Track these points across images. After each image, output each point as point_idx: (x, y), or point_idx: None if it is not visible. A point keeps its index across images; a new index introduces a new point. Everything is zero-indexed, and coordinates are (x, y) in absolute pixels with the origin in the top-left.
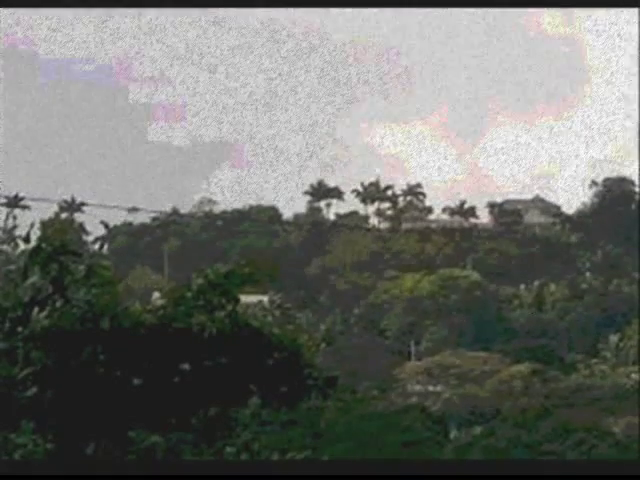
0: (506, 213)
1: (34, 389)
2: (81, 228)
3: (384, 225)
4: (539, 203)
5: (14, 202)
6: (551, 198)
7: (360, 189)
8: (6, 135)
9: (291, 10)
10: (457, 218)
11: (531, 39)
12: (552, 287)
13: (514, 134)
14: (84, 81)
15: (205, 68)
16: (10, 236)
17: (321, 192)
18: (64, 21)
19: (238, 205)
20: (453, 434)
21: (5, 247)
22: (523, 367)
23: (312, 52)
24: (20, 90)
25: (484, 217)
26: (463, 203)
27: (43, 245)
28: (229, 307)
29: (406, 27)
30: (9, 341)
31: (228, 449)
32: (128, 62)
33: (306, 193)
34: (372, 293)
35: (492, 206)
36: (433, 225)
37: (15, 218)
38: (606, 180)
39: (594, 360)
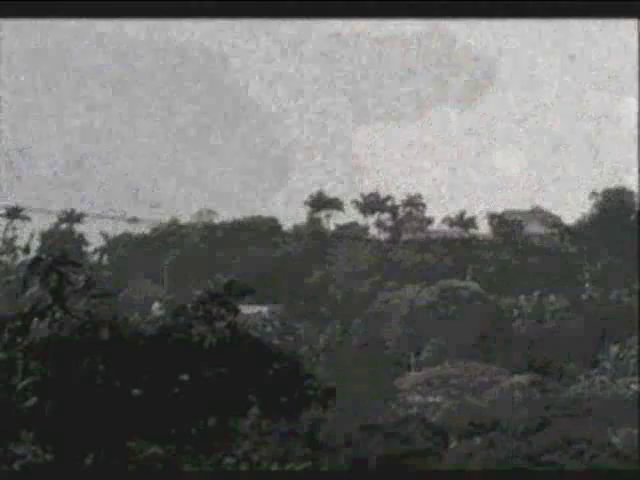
0: (506, 223)
1: (33, 399)
2: (81, 239)
3: (384, 236)
4: (539, 214)
5: (14, 213)
6: (551, 208)
7: (360, 200)
8: (7, 145)
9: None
10: (457, 229)
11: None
12: (552, 297)
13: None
14: (84, 86)
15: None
16: (10, 247)
17: (321, 203)
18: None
19: (238, 216)
20: (453, 445)
21: (5, 258)
22: (523, 378)
23: (312, 58)
24: (21, 98)
25: (484, 228)
26: (463, 213)
27: (43, 256)
28: (229, 318)
29: (396, 29)
30: (9, 352)
31: (227, 459)
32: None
33: (306, 204)
34: (372, 304)
35: (492, 216)
36: (433, 236)
37: (15, 229)
38: (606, 191)
39: (594, 371)
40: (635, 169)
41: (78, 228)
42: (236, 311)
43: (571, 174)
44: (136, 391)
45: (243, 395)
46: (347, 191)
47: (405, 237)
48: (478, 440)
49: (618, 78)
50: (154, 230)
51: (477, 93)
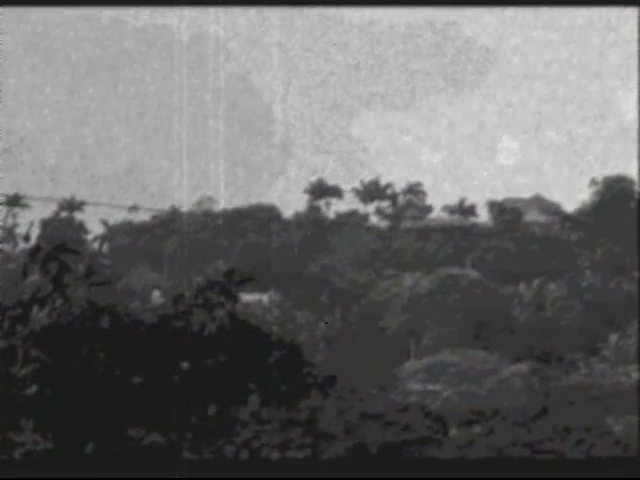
0: (506, 211)
1: (34, 388)
2: (81, 227)
3: (384, 224)
4: (538, 201)
5: (14, 201)
6: (550, 196)
7: (360, 187)
8: (6, 133)
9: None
10: (457, 216)
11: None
12: (552, 285)
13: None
14: (80, 74)
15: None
16: (10, 235)
17: (321, 191)
18: None
19: (238, 203)
20: (453, 433)
21: (5, 246)
22: (523, 366)
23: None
24: (19, 86)
25: (484, 215)
26: (463, 201)
27: (43, 244)
28: (228, 306)
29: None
30: (9, 340)
31: (228, 447)
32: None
33: (306, 192)
34: (372, 291)
35: (492, 204)
36: (432, 224)
37: (15, 217)
38: (606, 178)
39: (594, 359)
40: (635, 157)
41: (78, 216)
42: (236, 299)
43: (571, 162)
44: (136, 379)
45: (243, 383)
46: (347, 179)
47: (405, 225)
48: (478, 428)
49: (618, 67)
50: (154, 218)
51: (477, 80)
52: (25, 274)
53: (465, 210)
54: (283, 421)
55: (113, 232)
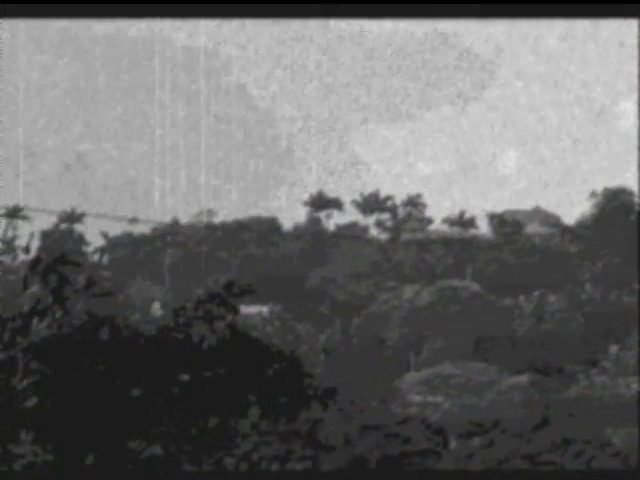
0: (506, 223)
1: (34, 399)
2: (80, 239)
3: (384, 236)
4: (538, 213)
5: (14, 213)
6: (550, 208)
7: (359, 200)
8: (5, 145)
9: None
10: (456, 229)
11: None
12: (552, 297)
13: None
14: (78, 85)
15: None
16: (10, 247)
17: (321, 203)
18: None
19: (238, 216)
20: (453, 445)
21: (5, 258)
22: (522, 378)
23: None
24: (18, 98)
25: (484, 228)
26: (463, 213)
27: (43, 256)
28: (229, 318)
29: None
30: (9, 351)
31: (228, 459)
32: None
33: (306, 204)
34: (372, 303)
35: (492, 216)
36: (433, 236)
37: (15, 229)
38: (605, 190)
39: (594, 370)
40: (634, 168)
41: (78, 228)
42: (236, 311)
43: (571, 173)
44: (136, 391)
45: (243, 395)
46: (347, 191)
47: (405, 237)
48: (478, 440)
49: (619, 76)
50: (154, 230)
51: (477, 92)
52: (25, 286)
53: (465, 222)
54: (283, 433)
55: (113, 244)
